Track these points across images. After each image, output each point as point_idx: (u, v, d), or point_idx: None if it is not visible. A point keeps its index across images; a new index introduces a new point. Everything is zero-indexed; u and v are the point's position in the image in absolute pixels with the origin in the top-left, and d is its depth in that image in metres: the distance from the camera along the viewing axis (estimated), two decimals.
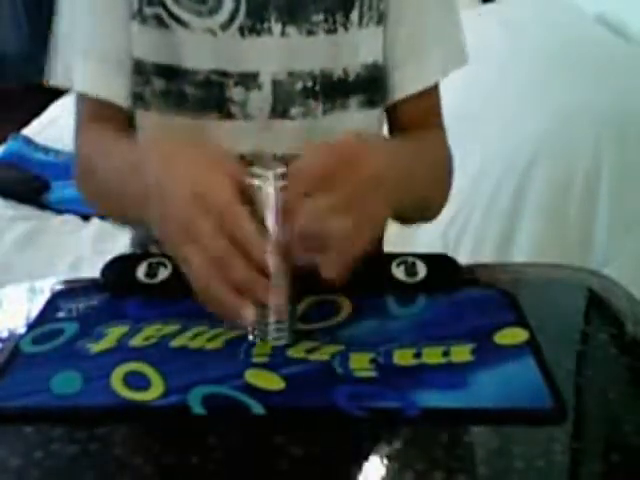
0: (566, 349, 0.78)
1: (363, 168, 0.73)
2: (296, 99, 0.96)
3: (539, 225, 1.68)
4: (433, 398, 0.69)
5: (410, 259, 0.89)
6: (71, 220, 2.03)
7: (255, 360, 0.75)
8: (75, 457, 0.65)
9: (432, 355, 0.75)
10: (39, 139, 2.37)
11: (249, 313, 0.70)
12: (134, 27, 0.95)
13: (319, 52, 0.95)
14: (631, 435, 0.67)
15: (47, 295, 0.88)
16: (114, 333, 0.79)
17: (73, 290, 0.87)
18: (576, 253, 1.65)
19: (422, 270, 0.87)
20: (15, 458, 0.65)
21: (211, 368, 0.74)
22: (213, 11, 0.93)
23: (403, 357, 0.74)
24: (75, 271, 1.76)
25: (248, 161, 0.80)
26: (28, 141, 2.35)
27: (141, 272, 0.87)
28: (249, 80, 0.95)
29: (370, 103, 1.00)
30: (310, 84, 0.96)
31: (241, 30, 0.94)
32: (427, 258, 0.89)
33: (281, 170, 0.73)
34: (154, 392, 0.71)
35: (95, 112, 0.99)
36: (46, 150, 2.31)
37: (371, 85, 0.99)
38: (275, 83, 0.95)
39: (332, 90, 0.97)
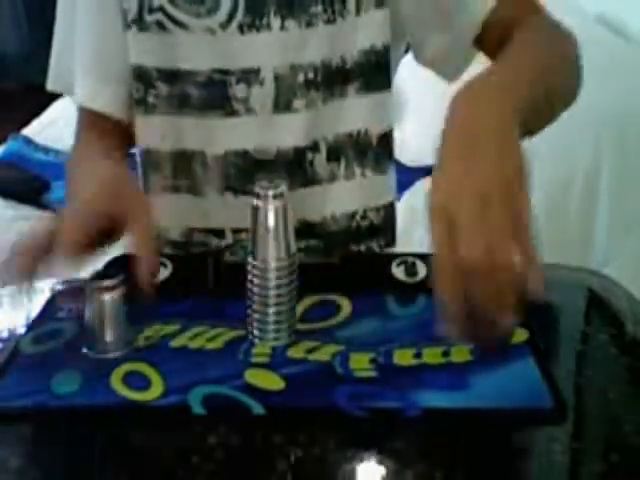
0: (566, 349, 0.78)
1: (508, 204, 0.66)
2: (298, 91, 0.96)
3: (539, 225, 1.68)
4: (433, 398, 0.69)
5: (410, 259, 0.89)
6: None
7: (255, 360, 0.75)
8: (75, 457, 0.65)
9: (432, 355, 0.75)
10: (39, 139, 2.37)
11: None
12: (133, 35, 0.95)
13: (319, 43, 0.96)
14: (631, 435, 0.67)
15: (47, 295, 0.88)
16: None
17: (73, 290, 0.87)
18: (576, 253, 1.65)
19: (422, 270, 0.87)
20: (15, 458, 0.65)
21: (211, 368, 0.74)
22: (212, 11, 0.94)
23: (403, 357, 0.74)
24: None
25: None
26: (28, 141, 2.35)
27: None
28: (251, 76, 0.95)
29: (368, 88, 1.00)
30: (312, 75, 0.96)
31: (240, 27, 0.94)
32: (427, 258, 0.89)
33: (280, 190, 0.74)
34: (154, 392, 0.71)
35: (91, 123, 1.02)
36: (46, 150, 2.31)
37: (370, 70, 0.99)
38: (277, 77, 0.96)
39: (331, 79, 0.98)
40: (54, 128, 2.43)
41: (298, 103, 0.97)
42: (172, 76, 0.97)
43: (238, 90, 0.96)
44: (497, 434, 0.67)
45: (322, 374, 0.73)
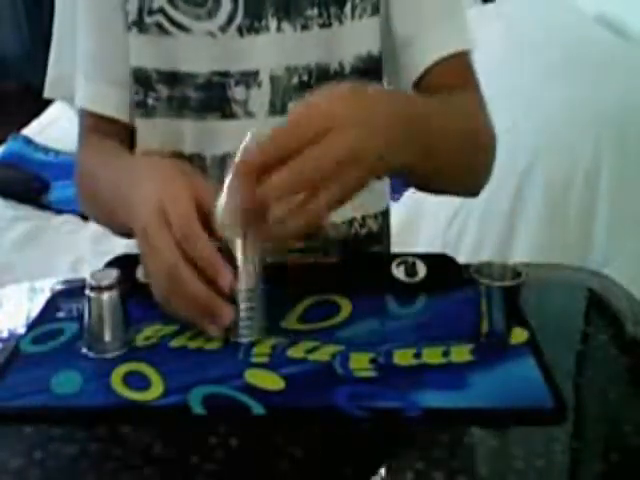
0: (566, 349, 0.78)
1: (327, 146, 0.69)
2: (293, 94, 0.96)
3: (539, 225, 1.68)
4: (433, 398, 0.69)
5: (410, 259, 0.89)
6: (71, 220, 2.03)
7: (255, 360, 0.75)
8: (75, 457, 0.65)
9: (432, 355, 0.75)
10: (39, 139, 2.37)
11: (212, 328, 0.75)
12: (133, 37, 0.96)
13: (314, 46, 0.96)
14: (631, 435, 0.67)
15: (47, 295, 0.88)
16: None
17: (73, 290, 0.87)
18: (576, 253, 1.65)
19: (422, 270, 0.87)
20: (15, 458, 0.65)
21: (211, 368, 0.74)
22: (212, 14, 0.94)
23: (403, 357, 0.74)
24: (75, 271, 1.76)
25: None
26: (28, 141, 2.35)
27: (141, 272, 0.87)
28: (249, 78, 0.96)
29: None
30: (306, 78, 0.96)
31: (239, 30, 0.94)
32: (427, 258, 0.89)
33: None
34: (154, 392, 0.71)
35: (95, 126, 1.02)
36: (46, 150, 2.31)
37: (366, 77, 0.99)
38: (273, 79, 0.96)
39: (326, 83, 0.97)
40: (54, 128, 2.43)
41: (293, 106, 0.97)
42: (172, 78, 0.97)
43: (237, 92, 0.96)
44: (497, 434, 0.67)
45: (322, 374, 0.73)
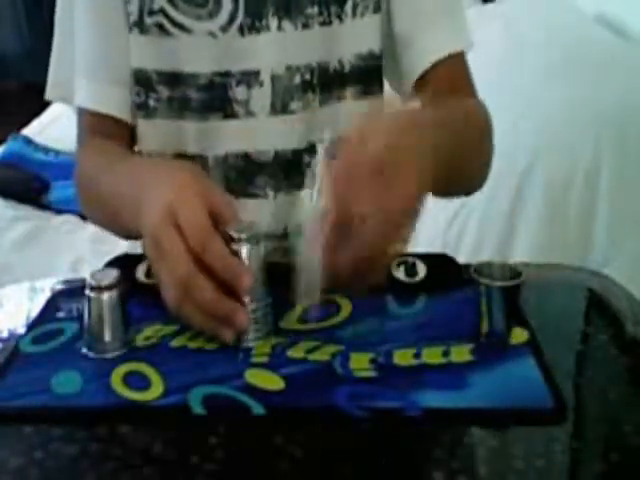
0: (566, 349, 0.78)
1: (394, 192, 0.69)
2: (294, 93, 0.97)
3: (539, 225, 1.68)
4: (434, 398, 0.69)
5: (410, 259, 0.89)
6: (71, 220, 2.03)
7: (255, 360, 0.75)
8: (75, 457, 0.65)
9: (432, 355, 0.75)
10: (39, 139, 2.37)
11: (228, 334, 0.74)
12: (134, 38, 0.95)
13: (315, 45, 0.96)
14: (631, 435, 0.67)
15: (47, 295, 0.88)
16: None
17: (73, 290, 0.87)
18: (576, 253, 1.65)
19: (422, 270, 0.87)
20: (15, 458, 0.65)
21: (211, 368, 0.74)
22: (213, 14, 0.94)
23: (403, 357, 0.74)
24: (75, 271, 1.76)
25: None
26: (28, 141, 2.35)
27: (141, 272, 0.87)
28: (251, 78, 0.96)
29: (366, 93, 1.00)
30: (308, 77, 0.97)
31: (241, 30, 0.94)
32: (427, 258, 0.89)
33: (254, 233, 0.75)
34: (154, 392, 0.71)
35: (96, 126, 1.01)
36: (46, 150, 2.31)
37: (367, 75, 0.99)
38: (274, 78, 0.96)
39: (328, 82, 0.98)
40: (54, 128, 2.43)
41: (294, 105, 0.97)
42: (173, 79, 0.96)
43: (238, 92, 0.96)
44: (497, 434, 0.67)
45: (322, 374, 0.73)
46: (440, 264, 0.90)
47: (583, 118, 1.73)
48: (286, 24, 0.94)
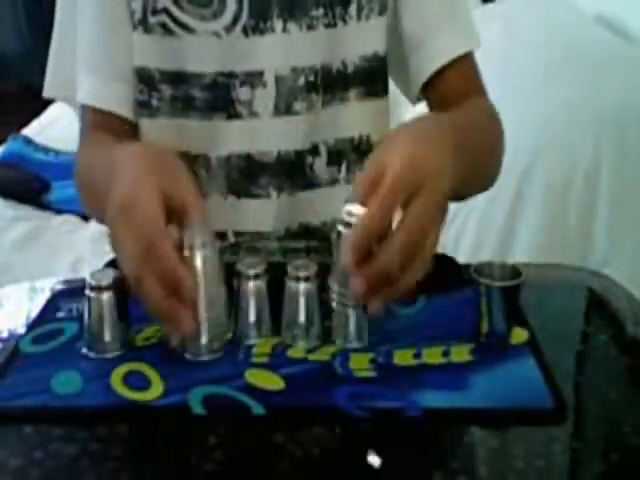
0: (566, 349, 0.78)
1: (421, 197, 0.69)
2: (298, 94, 0.97)
3: (539, 225, 1.68)
4: (434, 398, 0.69)
5: None
6: (71, 220, 2.03)
7: (255, 360, 0.75)
8: (75, 457, 0.65)
9: (432, 355, 0.75)
10: (39, 139, 2.37)
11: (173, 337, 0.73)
12: (138, 36, 0.95)
13: (320, 46, 0.96)
14: (631, 435, 0.67)
15: (47, 295, 0.88)
16: None
17: (73, 290, 0.87)
18: (576, 253, 1.65)
19: None
20: (15, 458, 0.65)
21: (211, 368, 0.74)
22: (217, 14, 0.94)
23: (403, 357, 0.74)
24: (75, 271, 1.76)
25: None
26: (28, 141, 2.35)
27: None
28: (254, 79, 0.96)
29: (370, 94, 1.00)
30: (312, 78, 0.97)
31: (245, 30, 0.94)
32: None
33: (207, 238, 0.73)
34: (154, 392, 0.71)
35: (98, 122, 1.00)
36: (46, 150, 2.31)
37: (371, 76, 0.99)
38: (278, 80, 0.96)
39: (332, 83, 0.98)
40: (54, 128, 2.43)
41: (298, 106, 0.97)
42: (176, 79, 0.96)
43: (242, 93, 0.96)
44: (497, 434, 0.67)
45: (322, 374, 0.73)
46: (440, 264, 0.90)
47: (583, 118, 1.73)
48: (291, 26, 0.94)
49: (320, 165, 1.00)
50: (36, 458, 0.65)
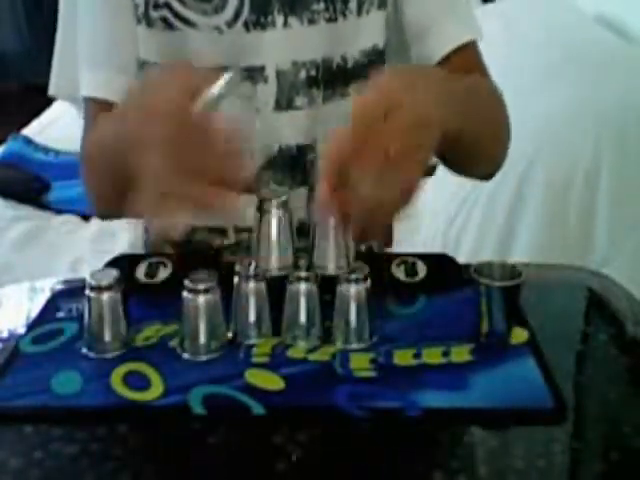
0: (566, 349, 0.78)
1: (402, 117, 0.68)
2: (299, 89, 0.97)
3: (539, 225, 1.68)
4: (434, 398, 0.69)
5: (410, 259, 0.89)
6: (71, 220, 2.03)
7: (255, 360, 0.75)
8: (75, 457, 0.65)
9: (432, 355, 0.75)
10: (39, 139, 2.37)
11: (230, 200, 0.65)
12: (140, 30, 0.95)
13: (320, 41, 0.96)
14: (631, 435, 0.67)
15: (47, 295, 0.88)
16: None
17: (73, 290, 0.87)
18: (576, 253, 1.65)
19: (422, 270, 0.87)
20: (15, 458, 0.65)
21: (211, 368, 0.74)
22: (219, 9, 0.94)
23: (403, 357, 0.74)
24: (75, 271, 1.76)
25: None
26: (28, 141, 2.35)
27: (141, 272, 0.87)
28: (256, 74, 0.96)
29: None
30: (313, 73, 0.97)
31: (246, 25, 0.94)
32: (427, 258, 0.89)
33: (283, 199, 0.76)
34: (154, 392, 0.71)
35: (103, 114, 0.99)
36: (46, 150, 2.31)
37: (370, 71, 0.99)
38: (279, 74, 0.96)
39: (332, 77, 0.98)
40: (54, 128, 2.43)
41: (299, 100, 0.97)
42: None
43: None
44: (497, 434, 0.67)
45: (322, 374, 0.73)
46: (440, 264, 0.90)
47: (583, 118, 1.73)
48: (292, 20, 0.95)
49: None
50: (36, 458, 0.65)
